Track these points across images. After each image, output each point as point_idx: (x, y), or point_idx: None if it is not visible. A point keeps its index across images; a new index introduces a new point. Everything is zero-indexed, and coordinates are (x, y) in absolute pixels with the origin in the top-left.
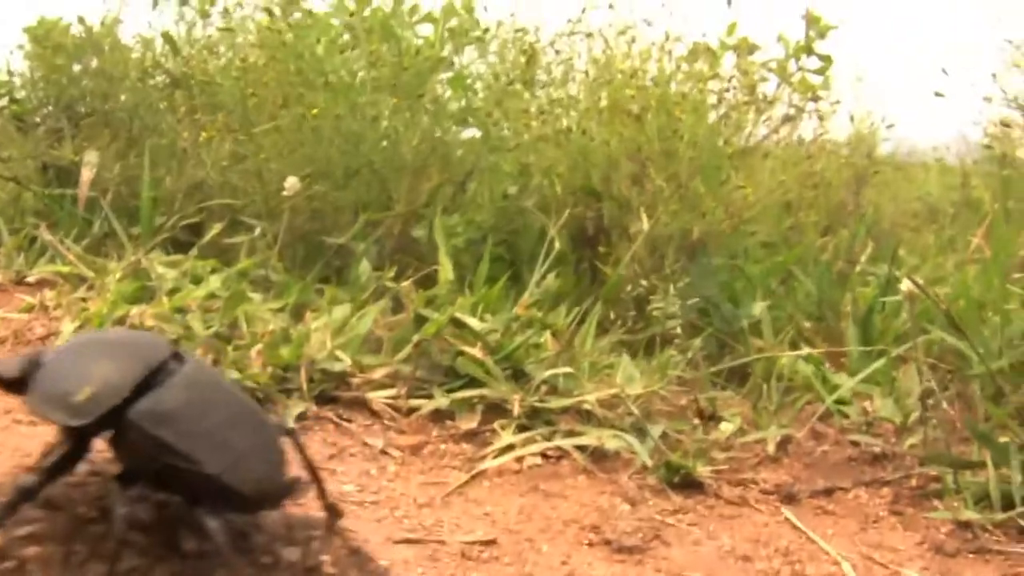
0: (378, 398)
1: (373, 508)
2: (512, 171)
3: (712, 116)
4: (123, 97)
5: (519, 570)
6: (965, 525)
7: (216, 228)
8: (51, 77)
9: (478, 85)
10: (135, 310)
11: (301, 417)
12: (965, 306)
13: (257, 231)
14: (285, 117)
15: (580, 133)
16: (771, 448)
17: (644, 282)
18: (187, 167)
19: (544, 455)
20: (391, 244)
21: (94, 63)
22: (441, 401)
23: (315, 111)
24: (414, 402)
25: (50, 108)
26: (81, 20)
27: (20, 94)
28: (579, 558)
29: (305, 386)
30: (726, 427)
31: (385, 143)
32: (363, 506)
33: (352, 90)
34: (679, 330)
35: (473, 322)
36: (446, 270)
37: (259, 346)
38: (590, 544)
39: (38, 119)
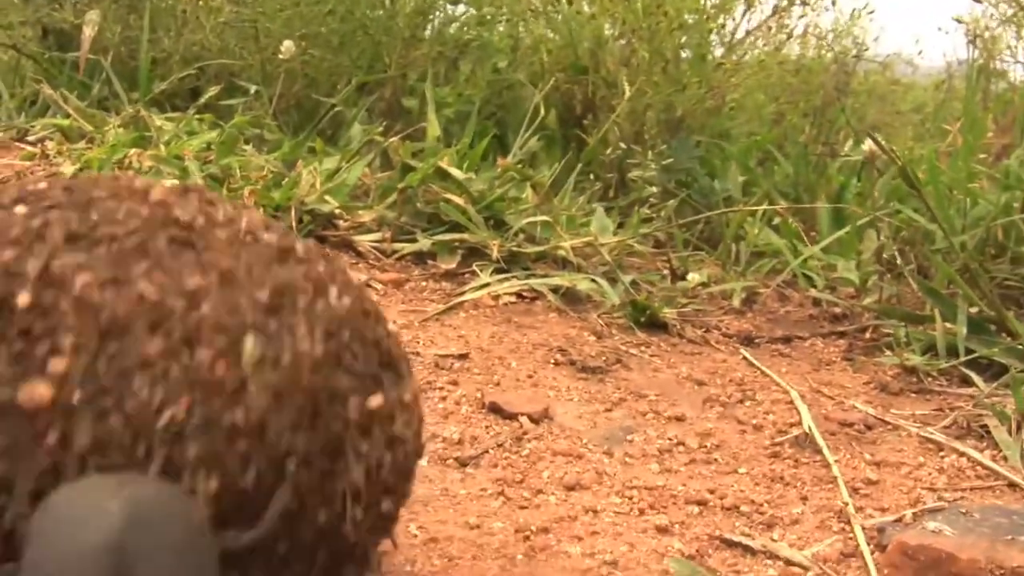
0: (364, 240)
1: None
2: (503, 47)
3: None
4: None
5: (487, 379)
6: (911, 371)
7: (213, 90)
8: None
9: None
10: (133, 151)
11: None
12: (931, 183)
13: (253, 91)
14: None
15: (568, 5)
16: (736, 302)
17: (623, 145)
18: (186, 31)
19: (519, 295)
20: (381, 108)
21: None
22: (424, 243)
23: None
24: (398, 245)
25: None
26: None
27: None
28: (544, 373)
29: (294, 225)
30: (693, 278)
31: (380, 11)
32: None
33: None
34: (656, 191)
35: (457, 172)
36: (433, 127)
37: (252, 187)
38: (555, 363)
39: None
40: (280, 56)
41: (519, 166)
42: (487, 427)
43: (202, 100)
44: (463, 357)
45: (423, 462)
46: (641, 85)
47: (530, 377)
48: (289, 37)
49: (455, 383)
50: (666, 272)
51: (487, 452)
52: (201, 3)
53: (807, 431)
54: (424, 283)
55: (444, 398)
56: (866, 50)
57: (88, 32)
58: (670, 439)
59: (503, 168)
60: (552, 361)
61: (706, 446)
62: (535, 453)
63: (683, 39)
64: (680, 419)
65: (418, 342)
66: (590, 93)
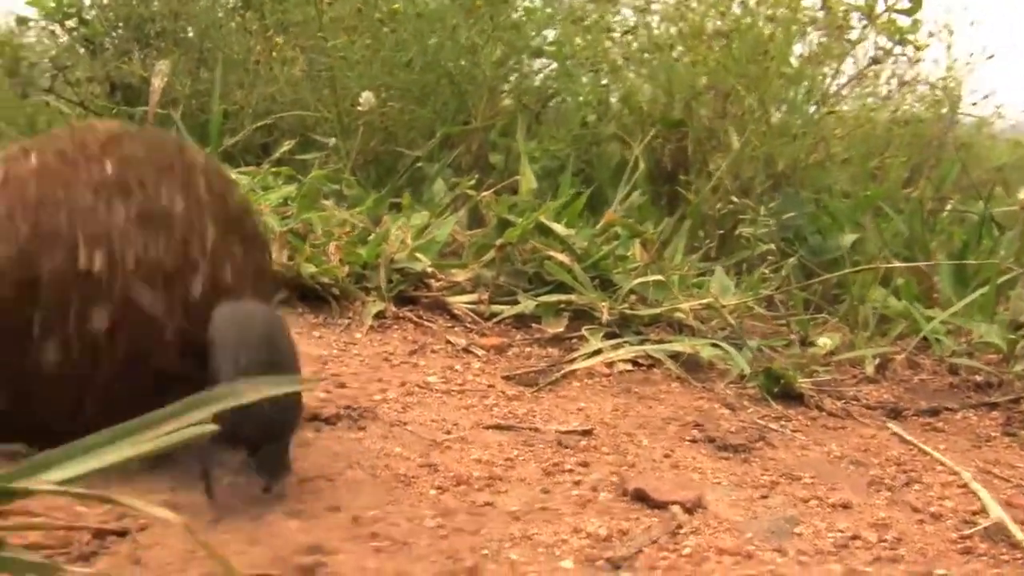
0: (459, 302)
1: (459, 396)
2: (590, 99)
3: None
4: (194, 16)
5: (620, 459)
6: None
7: (287, 144)
8: None
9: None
10: None
11: (379, 316)
12: None
13: (332, 142)
14: (363, 23)
15: (668, 51)
16: (869, 370)
17: (734, 199)
18: (259, 83)
19: (634, 362)
20: (467, 162)
21: None
22: (526, 305)
23: (396, 6)
24: (496, 307)
25: (119, 30)
26: None
27: (89, 15)
28: (682, 452)
29: (384, 285)
30: (824, 343)
31: (463, 60)
32: (449, 394)
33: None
34: (772, 248)
35: (559, 228)
36: (529, 179)
37: (336, 243)
38: (692, 441)
39: (106, 42)
40: (359, 108)
41: (629, 220)
42: (634, 519)
43: (276, 154)
44: (587, 434)
45: (568, 563)
46: (748, 136)
47: (667, 457)
48: (368, 88)
49: (585, 464)
50: (790, 337)
51: (641, 551)
52: (274, 54)
53: (998, 521)
54: (528, 348)
55: (578, 483)
56: (984, 98)
57: (157, 83)
58: (842, 531)
59: (609, 223)
60: (688, 438)
61: (886, 540)
62: (698, 552)
63: (785, 87)
64: (846, 506)
65: (534, 416)
66: (686, 146)
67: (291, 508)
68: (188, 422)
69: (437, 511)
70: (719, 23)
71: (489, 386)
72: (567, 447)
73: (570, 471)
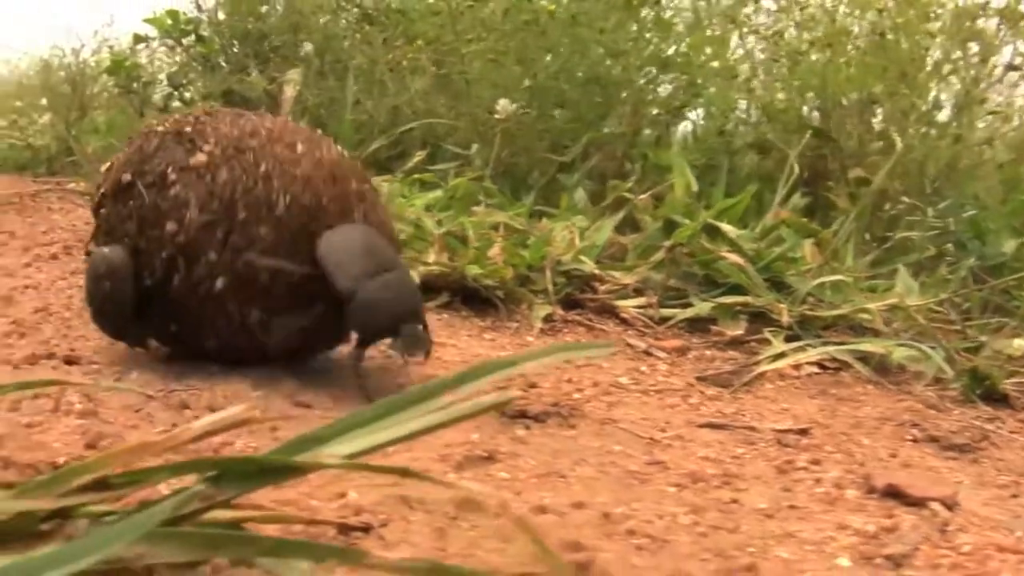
0: (627, 306)
1: (658, 396)
2: (726, 107)
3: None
4: (314, 31)
5: (847, 458)
6: None
7: (419, 155)
8: (240, 10)
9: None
10: None
11: (548, 319)
12: None
13: (474, 149)
14: (506, 27)
15: (822, 50)
16: None
17: (906, 199)
18: (387, 93)
19: (821, 365)
20: (611, 169)
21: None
22: (702, 307)
23: (552, 7)
24: (668, 311)
25: (235, 47)
26: None
27: (206, 32)
28: (907, 452)
29: (550, 287)
30: (1020, 344)
31: (609, 61)
32: (647, 394)
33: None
34: (948, 250)
35: (729, 229)
36: (688, 180)
37: (500, 244)
38: (914, 440)
39: (223, 59)
40: (496, 116)
41: (802, 220)
42: (896, 516)
43: (409, 164)
44: (804, 433)
45: (844, 560)
46: (908, 139)
47: (893, 456)
48: (507, 95)
49: (816, 462)
50: (979, 339)
51: (918, 548)
52: (405, 63)
53: None
54: (707, 351)
55: (817, 480)
56: None
57: (289, 92)
58: None
59: (780, 220)
60: (908, 438)
61: None
62: (978, 550)
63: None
64: None
65: (743, 415)
66: (824, 153)
67: (536, 503)
68: (468, 391)
69: (687, 508)
70: (867, 23)
71: (689, 385)
72: (788, 446)
73: (804, 469)
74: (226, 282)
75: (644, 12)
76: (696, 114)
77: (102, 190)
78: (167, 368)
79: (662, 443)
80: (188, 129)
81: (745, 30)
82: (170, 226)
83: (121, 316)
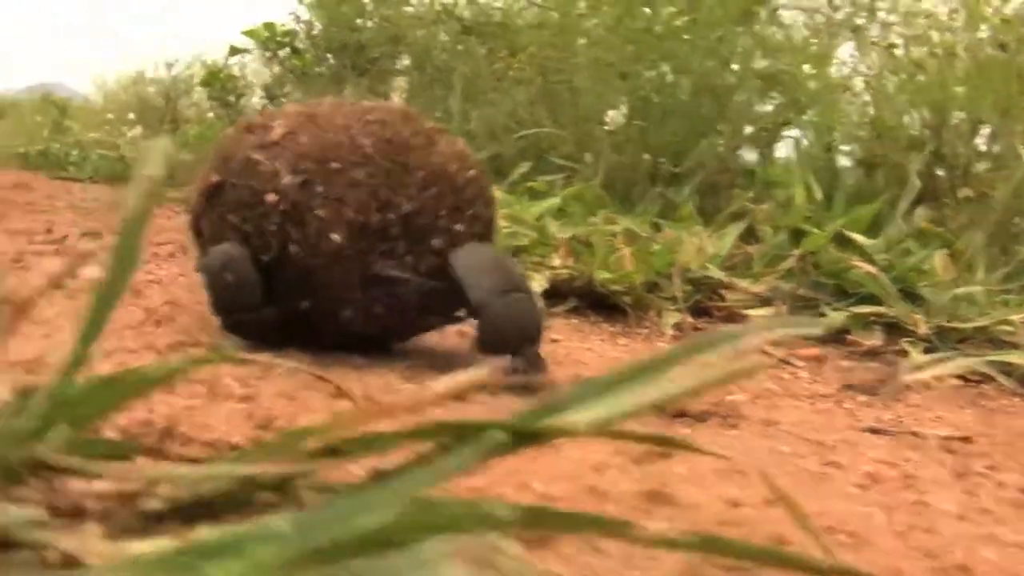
0: (757, 314)
1: (810, 401)
2: (833, 122)
3: None
4: (412, 43)
5: (1020, 464)
6: None
7: (523, 167)
8: (338, 21)
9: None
10: None
11: (677, 327)
12: None
13: (587, 158)
14: (615, 38)
15: (942, 62)
16: None
17: None
18: (493, 103)
19: (961, 377)
20: (724, 182)
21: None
22: (836, 318)
23: (676, 14)
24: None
25: (330, 60)
26: None
27: (301, 45)
28: None
29: (680, 294)
30: None
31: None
32: (798, 398)
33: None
34: None
35: (861, 238)
36: (810, 189)
37: (630, 249)
38: None
39: (318, 70)
40: (606, 128)
41: (940, 230)
42: None
43: (515, 174)
44: (967, 440)
45: None
46: None
47: None
48: (617, 105)
49: (993, 468)
50: None
51: None
52: (511, 73)
53: None
54: (844, 361)
55: (1000, 483)
56: None
57: (397, 100)
58: None
59: (918, 230)
60: None
61: None
62: None
63: None
64: None
65: (901, 422)
66: (932, 169)
67: (728, 497)
68: (693, 362)
69: (877, 507)
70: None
71: (838, 389)
72: (954, 452)
73: (982, 474)
74: (343, 234)
75: (757, 26)
76: (798, 131)
77: (195, 208)
78: (312, 359)
79: (829, 445)
80: (257, 121)
81: (870, 42)
82: (270, 197)
83: (251, 302)
